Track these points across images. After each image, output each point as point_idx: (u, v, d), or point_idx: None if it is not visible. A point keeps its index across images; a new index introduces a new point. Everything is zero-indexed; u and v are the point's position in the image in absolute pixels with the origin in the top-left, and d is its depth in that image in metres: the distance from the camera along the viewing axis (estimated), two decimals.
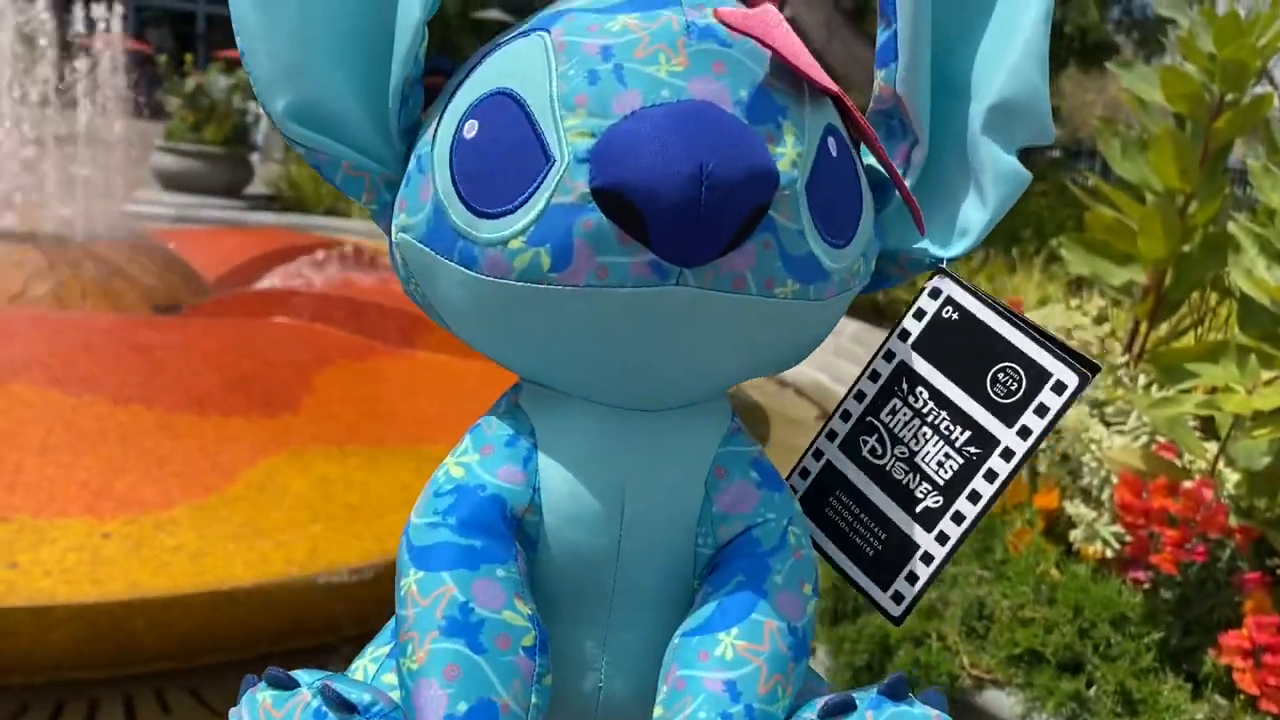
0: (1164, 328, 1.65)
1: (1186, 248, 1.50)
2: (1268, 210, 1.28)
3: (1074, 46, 9.08)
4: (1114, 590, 1.25)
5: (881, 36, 0.47)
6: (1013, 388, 0.46)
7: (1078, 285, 3.80)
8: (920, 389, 0.48)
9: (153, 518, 1.86)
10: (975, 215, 0.48)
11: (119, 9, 5.15)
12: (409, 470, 2.04)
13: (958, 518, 0.47)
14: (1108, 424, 1.43)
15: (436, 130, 0.43)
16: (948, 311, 0.49)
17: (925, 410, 0.48)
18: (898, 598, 0.48)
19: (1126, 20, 10.82)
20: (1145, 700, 1.16)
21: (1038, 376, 0.46)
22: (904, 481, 0.48)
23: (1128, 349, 1.57)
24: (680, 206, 0.36)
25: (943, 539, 0.47)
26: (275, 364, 2.64)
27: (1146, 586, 1.26)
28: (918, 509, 0.47)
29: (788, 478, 0.50)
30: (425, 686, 0.38)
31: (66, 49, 4.81)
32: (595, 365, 0.42)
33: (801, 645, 0.43)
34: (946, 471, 0.47)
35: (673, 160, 0.36)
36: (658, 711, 0.42)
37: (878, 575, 0.48)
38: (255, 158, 9.88)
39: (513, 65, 0.41)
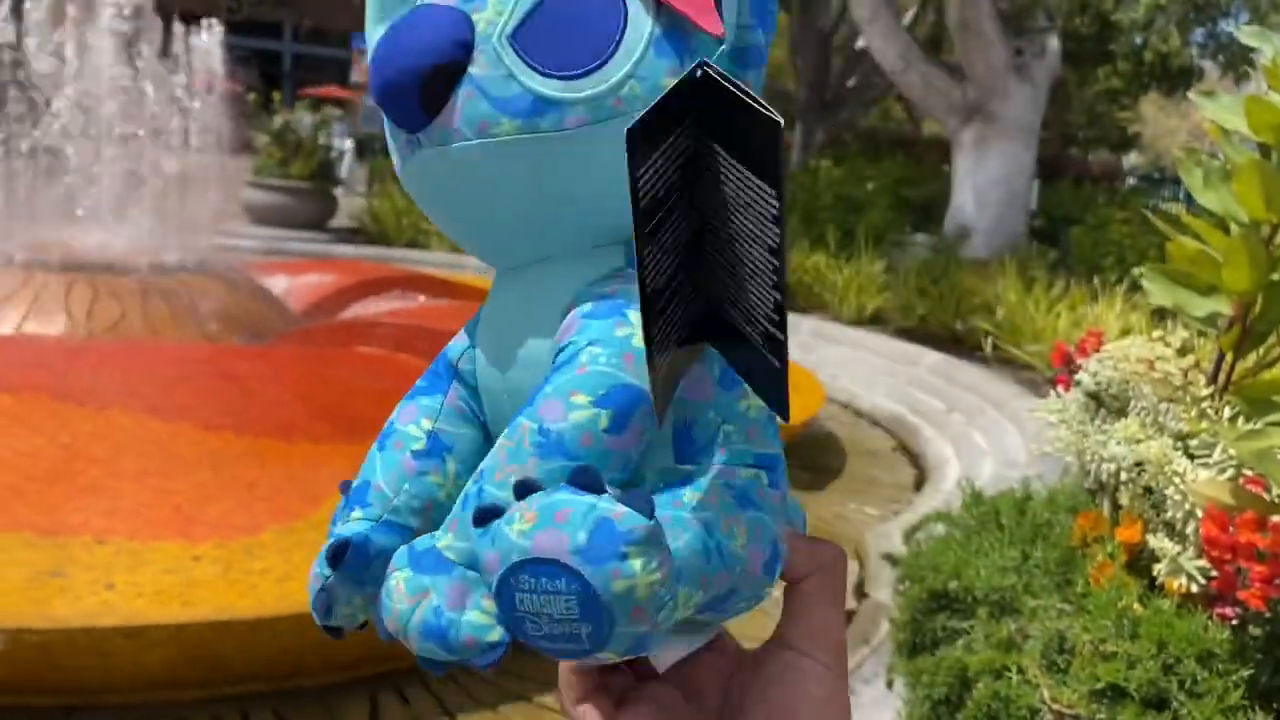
0: (1249, 360, 1.62)
1: (1274, 278, 1.47)
2: None
3: (1155, 72, 8.92)
4: (1199, 626, 1.23)
5: None
6: None
7: (1161, 315, 3.71)
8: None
9: (242, 542, 1.92)
10: None
11: (218, 50, 5.36)
12: None
13: None
14: (1192, 457, 1.40)
15: None
16: None
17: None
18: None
19: (1211, 44, 10.59)
20: None
21: None
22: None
23: (1212, 381, 1.55)
24: (379, 90, 0.44)
25: None
26: (359, 393, 2.71)
27: (1234, 622, 1.23)
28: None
29: None
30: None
31: (167, 87, 5.01)
32: (448, 227, 0.49)
33: (553, 446, 0.41)
34: None
35: (378, 59, 0.45)
36: None
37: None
38: (339, 192, 10.14)
39: None
